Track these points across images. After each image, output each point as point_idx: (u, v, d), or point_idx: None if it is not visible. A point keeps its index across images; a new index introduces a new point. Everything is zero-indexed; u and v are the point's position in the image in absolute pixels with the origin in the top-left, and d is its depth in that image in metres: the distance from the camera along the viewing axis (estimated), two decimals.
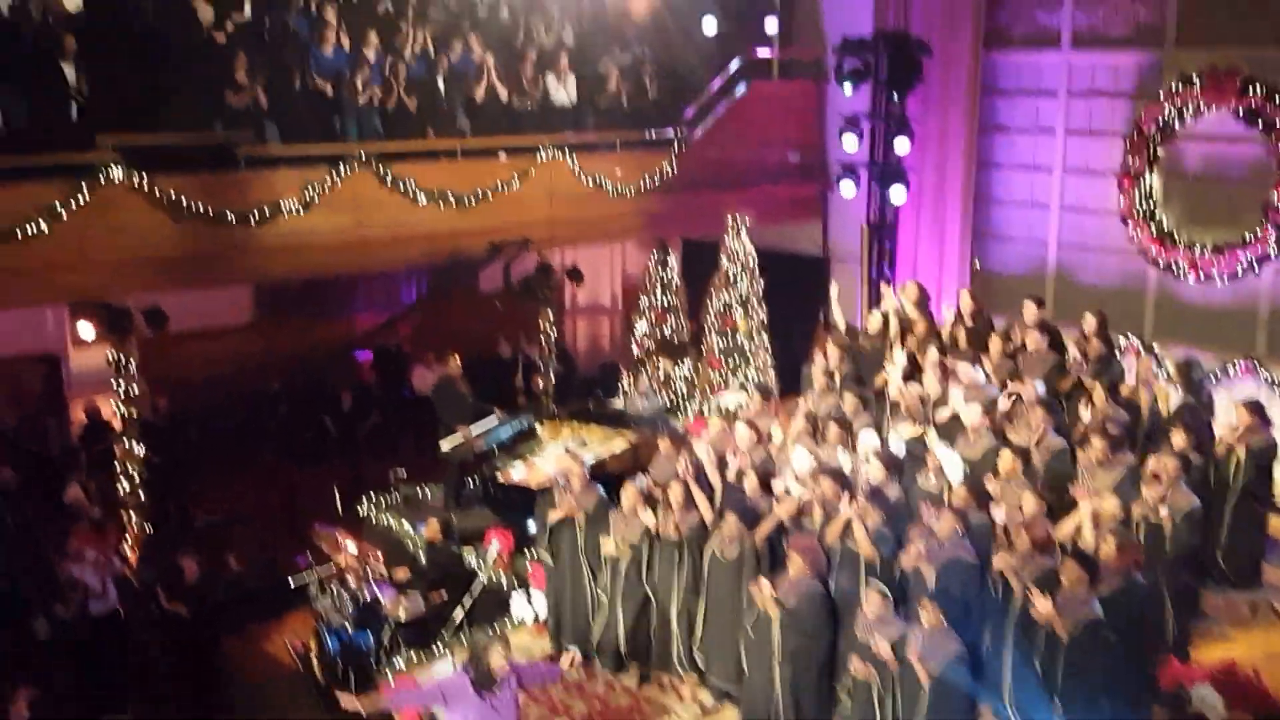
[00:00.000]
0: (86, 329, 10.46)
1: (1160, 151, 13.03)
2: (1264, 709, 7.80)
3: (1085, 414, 9.81)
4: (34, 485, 11.33)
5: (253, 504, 12.62)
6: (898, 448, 9.71)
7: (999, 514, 8.24)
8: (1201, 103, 12.58)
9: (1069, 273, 14.11)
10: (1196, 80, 12.53)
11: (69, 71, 10.49)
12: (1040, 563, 7.69)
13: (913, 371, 10.67)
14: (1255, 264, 12.42)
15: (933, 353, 10.64)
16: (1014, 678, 7.62)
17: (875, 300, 13.08)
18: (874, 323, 11.53)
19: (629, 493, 9.08)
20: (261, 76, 11.47)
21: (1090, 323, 10.86)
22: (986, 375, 10.43)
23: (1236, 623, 9.18)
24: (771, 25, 15.45)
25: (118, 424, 10.64)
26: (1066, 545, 8.11)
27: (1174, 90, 12.74)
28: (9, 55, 10.37)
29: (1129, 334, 13.00)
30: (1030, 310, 11.03)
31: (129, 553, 10.41)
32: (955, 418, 9.84)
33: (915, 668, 7.10)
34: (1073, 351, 10.78)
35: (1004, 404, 9.92)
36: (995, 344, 10.82)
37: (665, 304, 15.30)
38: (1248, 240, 12.42)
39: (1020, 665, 7.57)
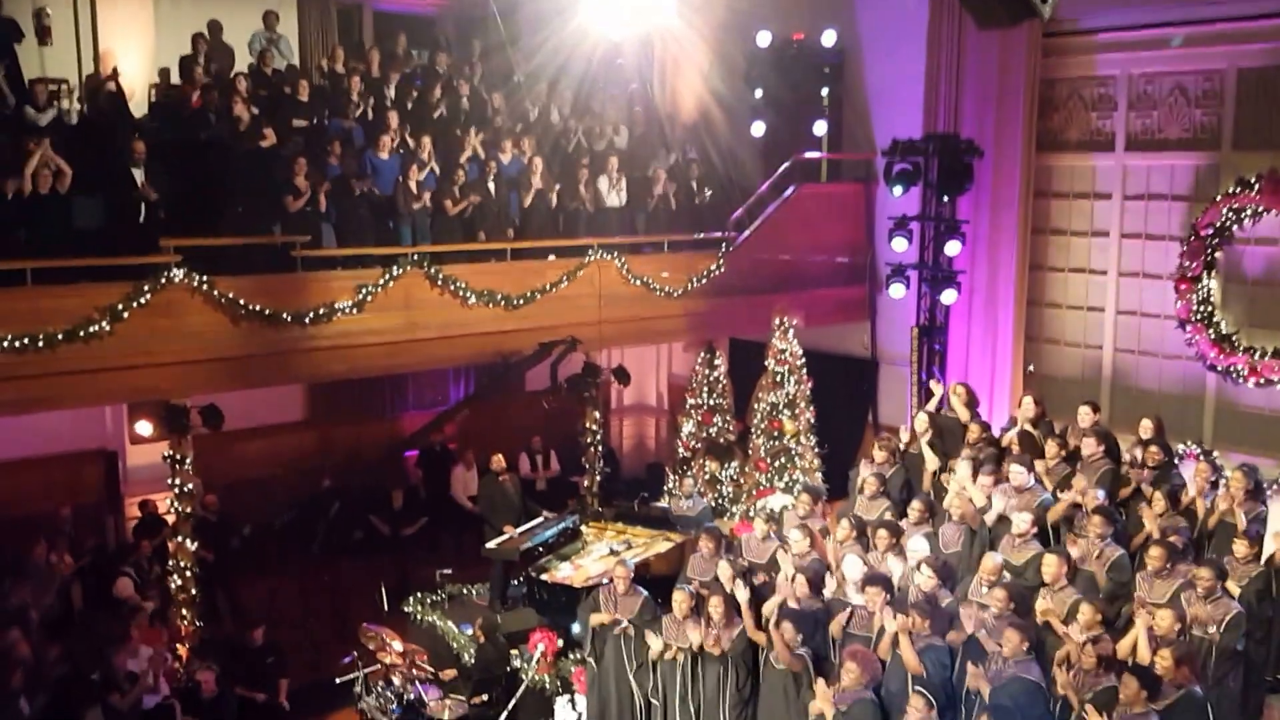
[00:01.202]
0: (145, 427, 10.71)
1: (1218, 255, 12.90)
2: None
3: (1145, 522, 9.58)
4: (90, 577, 11.50)
5: (300, 602, 12.66)
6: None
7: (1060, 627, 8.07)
8: (1260, 205, 12.49)
9: (1125, 377, 13.92)
10: (1255, 183, 12.46)
11: (138, 175, 10.87)
12: (1101, 679, 7.49)
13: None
14: None
15: (963, 464, 10.45)
16: None
17: (924, 402, 12.96)
18: (920, 423, 11.42)
19: (679, 598, 8.98)
20: (320, 181, 11.80)
21: (1148, 428, 10.67)
22: (1039, 480, 10.25)
23: None
24: (820, 127, 15.63)
25: (171, 519, 10.77)
26: (1127, 661, 7.88)
27: (1231, 193, 12.66)
28: (85, 158, 10.76)
29: (1187, 441, 12.75)
30: (1086, 415, 10.86)
31: (180, 648, 10.44)
32: (1002, 522, 9.68)
33: None
34: (1129, 458, 10.58)
35: (1059, 510, 9.75)
36: (1052, 448, 10.65)
37: (711, 404, 15.28)
38: None
39: None
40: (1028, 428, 11.17)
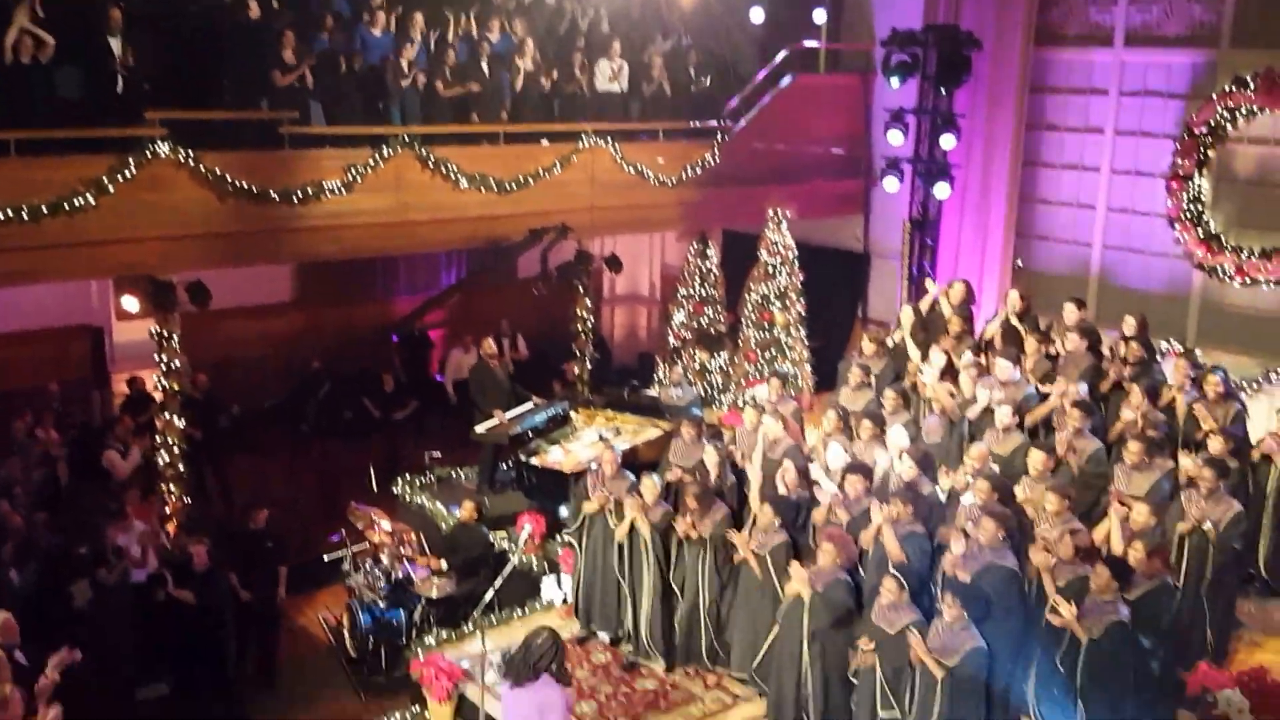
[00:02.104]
0: (131, 302, 10.63)
1: (1211, 154, 12.82)
2: None
3: (1124, 417, 9.70)
4: (77, 453, 11.56)
5: (289, 482, 12.78)
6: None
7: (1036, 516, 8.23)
8: (1255, 105, 12.36)
9: (1112, 275, 13.95)
10: (1251, 82, 12.32)
11: (115, 45, 10.60)
12: (1076, 569, 7.67)
13: (948, 370, 10.62)
14: None
15: (967, 354, 10.58)
16: (1039, 679, 7.63)
17: (916, 296, 12.98)
18: (906, 317, 11.48)
19: (647, 485, 9.09)
20: (308, 57, 11.56)
21: (1130, 325, 10.75)
22: (1023, 374, 10.34)
23: (1269, 629, 9.07)
24: (820, 16, 15.34)
25: (159, 397, 10.79)
26: (1102, 551, 8.06)
27: (1227, 91, 12.53)
28: (58, 28, 10.49)
29: (1170, 339, 12.83)
30: (1071, 311, 10.92)
31: (169, 525, 10.56)
32: (987, 413, 9.80)
33: (927, 661, 7.09)
34: (1110, 353, 10.67)
35: (1039, 413, 9.86)
36: (1032, 344, 10.74)
37: (703, 295, 15.31)
38: None
39: (1045, 667, 7.58)
40: (1013, 321, 11.23)
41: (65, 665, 7.45)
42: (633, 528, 9.04)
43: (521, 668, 6.31)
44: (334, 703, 9.47)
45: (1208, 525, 8.36)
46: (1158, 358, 11.10)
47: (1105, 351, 10.79)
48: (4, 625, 7.55)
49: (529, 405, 12.26)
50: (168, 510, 10.64)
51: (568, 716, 6.37)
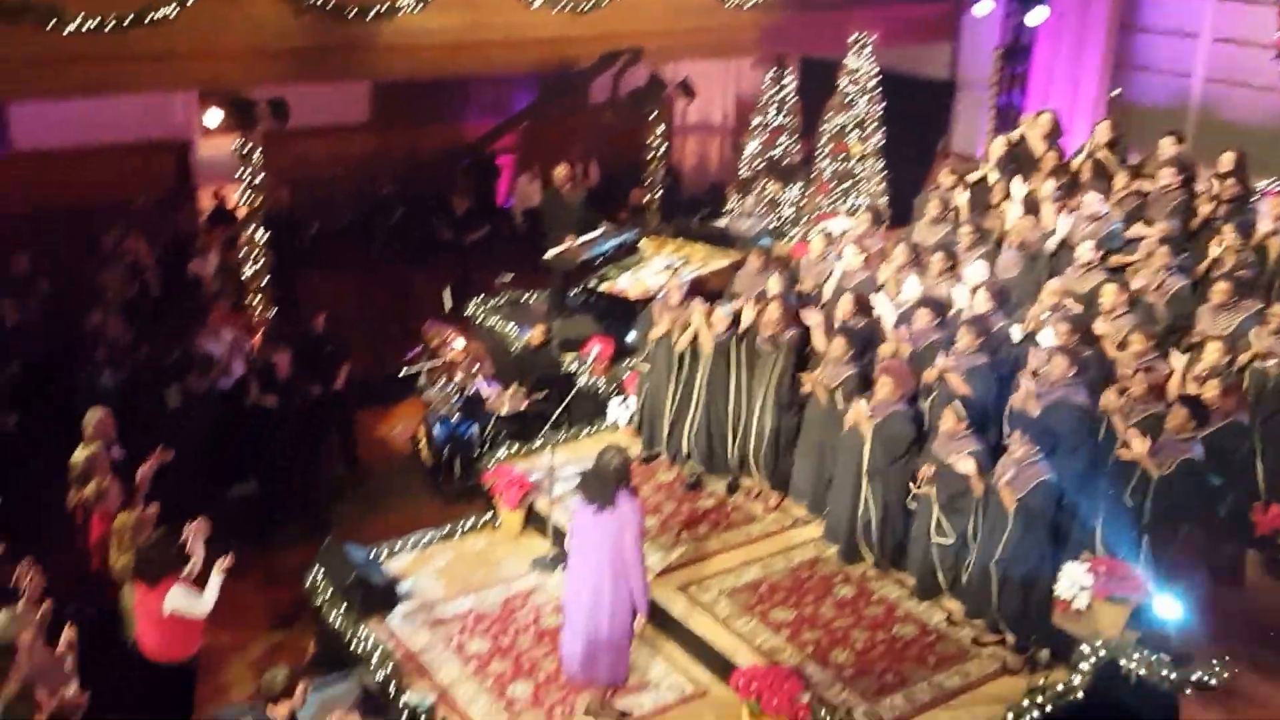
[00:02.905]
0: (213, 117, 10.78)
1: None
2: None
3: (1213, 256, 9.44)
4: (166, 266, 11.94)
5: (366, 301, 13.07)
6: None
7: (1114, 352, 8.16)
8: None
9: (1214, 109, 13.35)
10: None
11: None
12: (1150, 407, 7.63)
13: (1031, 204, 10.37)
14: None
15: (1048, 186, 10.30)
16: (1105, 516, 7.66)
17: (1004, 128, 12.60)
18: (996, 148, 11.15)
19: (718, 314, 9.13)
20: None
21: (1228, 161, 10.35)
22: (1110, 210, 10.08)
23: None
24: None
25: (242, 212, 11.03)
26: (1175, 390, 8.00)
27: None
28: None
29: (1270, 178, 12.32)
30: (1167, 145, 10.54)
31: (253, 336, 10.94)
32: (1067, 249, 9.61)
33: (1003, 494, 7.17)
34: (1205, 190, 10.32)
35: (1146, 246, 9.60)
36: (1121, 178, 10.42)
37: (778, 124, 14.96)
38: None
39: (1112, 503, 7.61)
40: (1101, 155, 10.88)
41: (160, 463, 7.91)
42: (694, 346, 9.12)
43: (598, 490, 6.55)
44: (412, 508, 9.90)
45: (1270, 361, 8.22)
46: (1254, 197, 10.71)
47: (1199, 189, 10.43)
48: (101, 422, 7.97)
49: (599, 232, 12.31)
50: (253, 321, 11.01)
51: (641, 530, 6.63)
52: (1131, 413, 7.70)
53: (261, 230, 10.95)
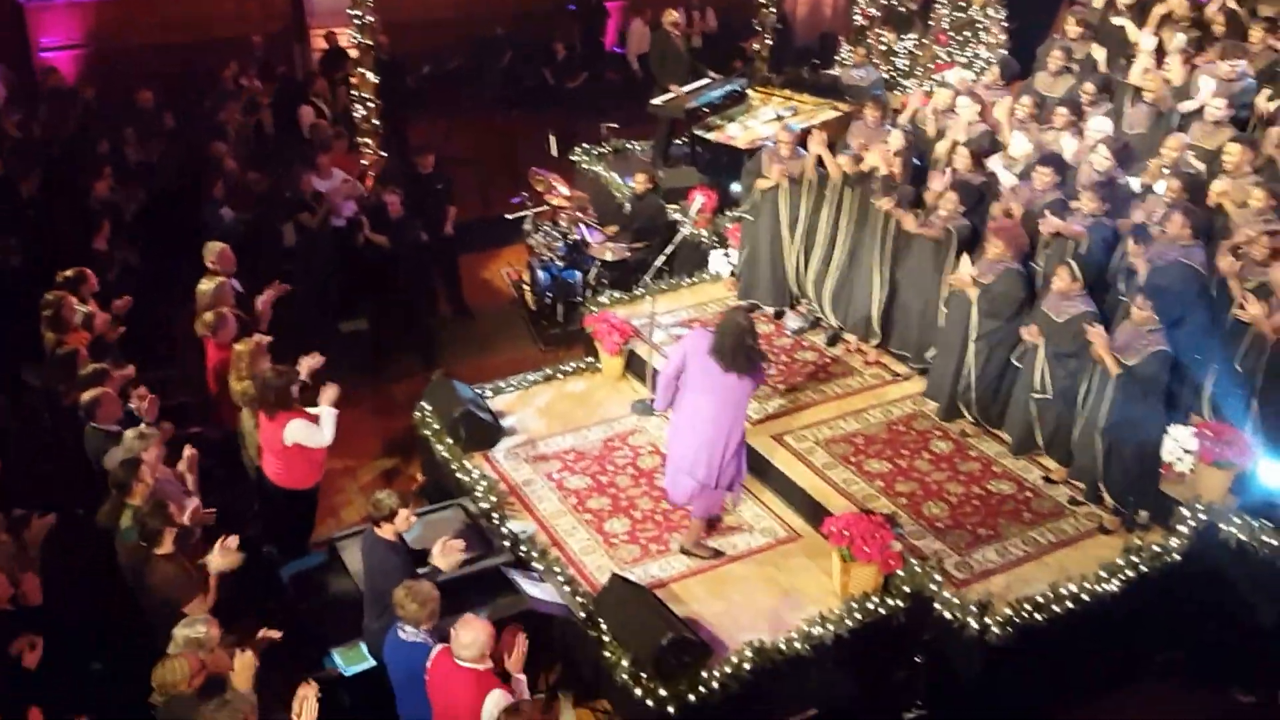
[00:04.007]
0: None
1: None
2: None
3: None
4: (280, 105, 12.11)
5: (473, 145, 13.13)
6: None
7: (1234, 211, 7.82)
8: None
9: None
10: None
11: None
12: (1272, 272, 7.32)
13: (1161, 55, 9.85)
14: None
15: (1179, 39, 9.75)
16: (1217, 379, 7.49)
17: None
18: None
19: (841, 160, 8.96)
20: None
21: None
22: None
23: None
24: None
25: (354, 53, 11.07)
26: None
27: None
28: None
29: None
30: None
31: (366, 177, 11.11)
32: (1199, 110, 9.14)
33: (1106, 360, 7.03)
34: None
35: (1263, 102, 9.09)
36: (1257, 31, 9.79)
37: None
38: None
39: (1225, 368, 7.42)
40: (1233, 4, 10.22)
41: (277, 296, 8.20)
42: (806, 200, 8.98)
43: (730, 350, 6.68)
44: (515, 351, 10.15)
45: None
46: None
47: None
48: (221, 254, 8.27)
49: (706, 80, 12.08)
50: (366, 161, 11.16)
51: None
52: (1250, 276, 7.40)
53: (371, 72, 10.98)
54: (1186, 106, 9.30)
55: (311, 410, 7.01)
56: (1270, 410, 7.23)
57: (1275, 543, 6.76)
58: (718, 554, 7.26)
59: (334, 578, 6.90)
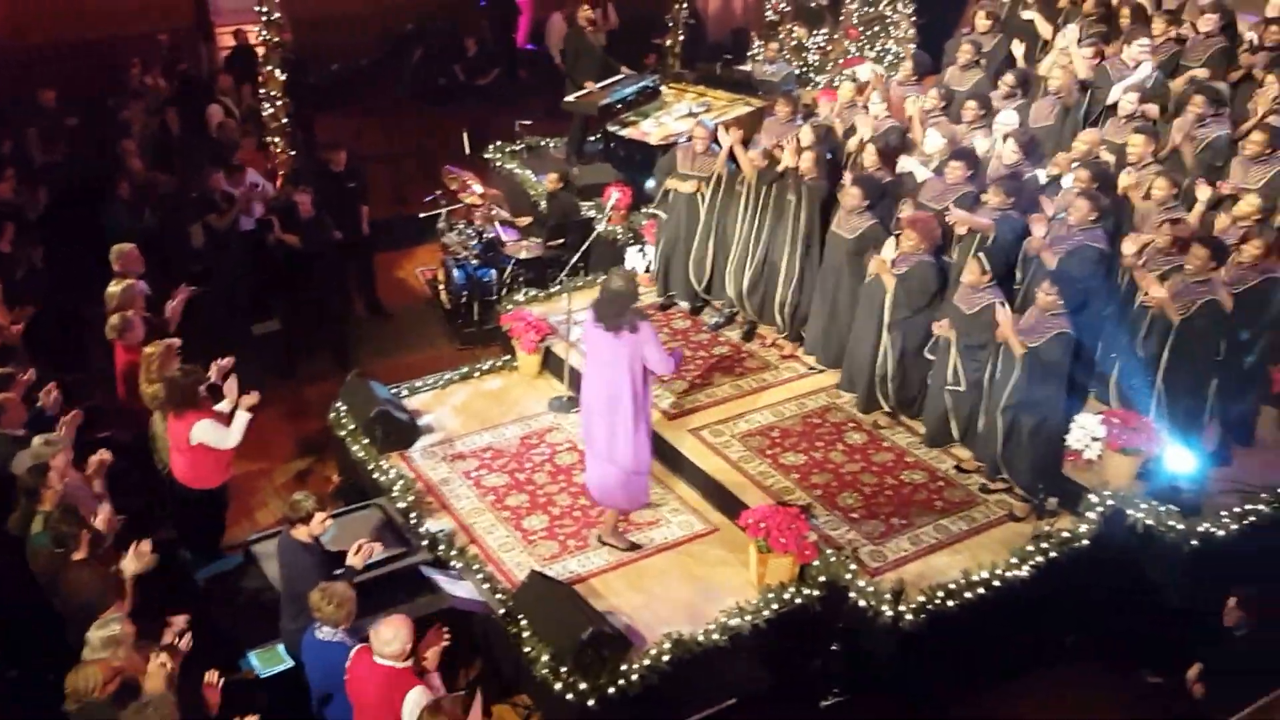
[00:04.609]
0: None
1: None
2: None
3: (1252, 107, 9.18)
4: (186, 104, 11.85)
5: (386, 143, 12.98)
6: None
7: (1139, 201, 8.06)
8: None
9: None
10: None
11: None
12: (1173, 259, 7.55)
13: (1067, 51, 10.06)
14: None
15: (1071, 28, 9.98)
16: (1122, 367, 7.72)
17: None
18: None
19: (751, 155, 9.03)
20: None
21: (1275, 7, 9.95)
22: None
23: None
24: None
25: (261, 50, 10.87)
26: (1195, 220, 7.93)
27: None
28: None
29: None
30: None
31: (275, 176, 10.92)
32: (1101, 98, 9.38)
33: (1010, 341, 7.19)
34: (1247, 40, 9.98)
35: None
36: (1159, 24, 10.05)
37: None
38: None
39: (1129, 351, 7.64)
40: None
41: (186, 297, 8.05)
42: (715, 194, 9.05)
43: (609, 313, 6.69)
44: (431, 348, 10.08)
45: None
46: None
47: (1242, 37, 10.09)
48: (128, 255, 8.09)
49: (620, 76, 12.10)
50: (274, 160, 10.97)
51: (658, 342, 6.80)
52: (1153, 264, 7.62)
53: (280, 69, 10.78)
54: (1089, 96, 9.51)
55: (222, 409, 6.92)
56: (1174, 395, 7.44)
57: (1181, 527, 6.95)
58: (634, 546, 7.29)
59: (250, 580, 6.85)
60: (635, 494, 7.17)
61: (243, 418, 6.91)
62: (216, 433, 6.86)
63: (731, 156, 9.08)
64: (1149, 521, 7.02)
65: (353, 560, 5.83)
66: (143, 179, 9.97)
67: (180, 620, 5.49)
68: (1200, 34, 9.88)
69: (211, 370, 7.06)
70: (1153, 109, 9.19)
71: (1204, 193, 8.04)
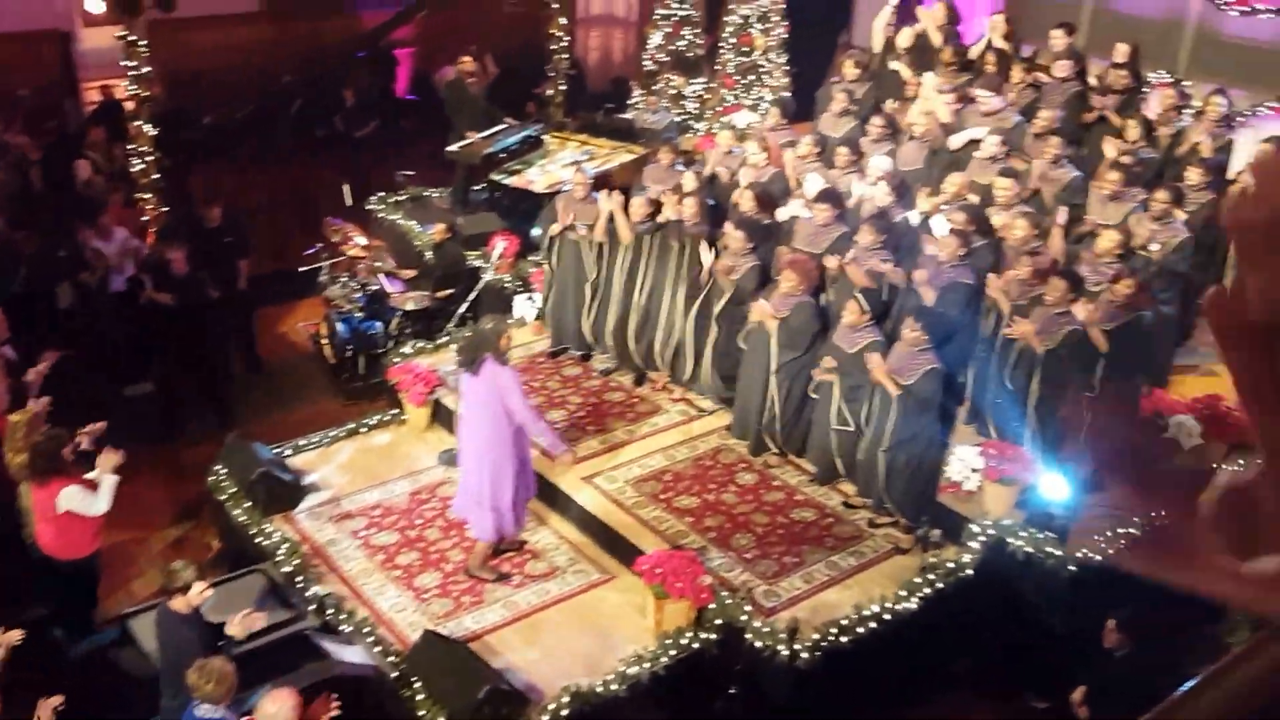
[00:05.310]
0: (95, 3, 10.28)
1: None
2: (1237, 440, 8.11)
3: (1106, 148, 9.63)
4: (51, 161, 11.48)
5: (265, 196, 12.75)
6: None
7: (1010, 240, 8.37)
8: None
9: (1107, 0, 13.49)
10: None
11: None
12: (1035, 289, 7.84)
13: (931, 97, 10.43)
14: None
15: (930, 77, 10.36)
16: (994, 394, 7.95)
17: (903, 20, 12.56)
18: (904, 39, 11.18)
19: (637, 202, 9.11)
20: None
21: (1122, 53, 10.48)
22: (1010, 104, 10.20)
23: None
24: None
25: (130, 105, 10.61)
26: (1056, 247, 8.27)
27: None
28: None
29: (1160, 70, 12.58)
30: (1058, 37, 10.62)
31: (147, 232, 10.62)
32: (971, 144, 9.74)
33: (885, 383, 7.36)
34: (1096, 82, 10.50)
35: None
36: (1017, 72, 10.53)
37: (681, 16, 14.70)
38: None
39: (1001, 382, 7.89)
40: (999, 47, 10.97)
41: (52, 362, 7.74)
42: (605, 239, 9.12)
43: (468, 355, 6.86)
44: (315, 407, 9.86)
45: (1153, 247, 8.45)
46: (1145, 89, 10.91)
47: (1092, 81, 10.61)
48: None
49: (502, 126, 12.13)
50: (146, 217, 10.68)
51: (518, 388, 6.90)
52: (1016, 295, 7.89)
53: (150, 124, 10.53)
54: (955, 141, 9.88)
55: (89, 476, 6.67)
56: (1045, 424, 7.67)
57: (1059, 553, 7.17)
58: (503, 577, 7.31)
59: (127, 656, 6.56)
60: (494, 527, 7.15)
61: (109, 480, 6.66)
62: (84, 499, 6.60)
63: (611, 219, 9.12)
64: (1029, 549, 7.21)
65: (234, 630, 5.64)
66: (4, 238, 9.61)
67: (52, 703, 5.23)
68: (1056, 79, 10.36)
69: (81, 437, 6.80)
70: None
71: (1062, 215, 8.37)
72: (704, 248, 8.57)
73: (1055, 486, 7.52)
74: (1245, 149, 10.21)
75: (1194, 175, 9.11)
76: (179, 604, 5.70)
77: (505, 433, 6.87)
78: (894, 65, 11.17)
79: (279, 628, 6.40)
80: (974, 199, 9.02)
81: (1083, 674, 6.53)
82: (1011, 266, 8.25)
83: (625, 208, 9.05)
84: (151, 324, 9.26)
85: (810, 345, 8.10)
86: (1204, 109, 9.84)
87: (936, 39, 11.18)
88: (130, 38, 10.14)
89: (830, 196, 8.79)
